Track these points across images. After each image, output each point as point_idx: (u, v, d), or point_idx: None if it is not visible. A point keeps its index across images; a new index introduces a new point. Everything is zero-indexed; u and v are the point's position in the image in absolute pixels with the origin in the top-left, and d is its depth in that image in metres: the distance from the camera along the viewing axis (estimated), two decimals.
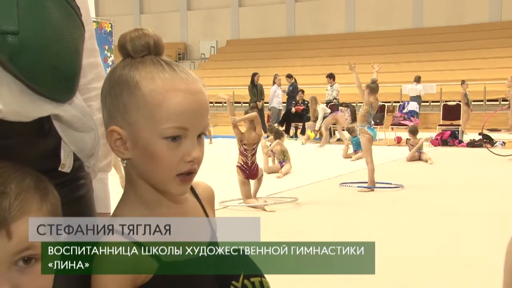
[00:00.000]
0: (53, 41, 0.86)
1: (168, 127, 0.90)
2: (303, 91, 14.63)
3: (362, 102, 6.50)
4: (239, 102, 19.70)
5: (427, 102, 17.00)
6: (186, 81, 0.92)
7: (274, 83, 14.49)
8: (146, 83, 0.90)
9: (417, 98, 15.96)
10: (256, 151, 5.41)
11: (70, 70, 0.91)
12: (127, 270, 0.91)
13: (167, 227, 0.95)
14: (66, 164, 0.98)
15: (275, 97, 14.36)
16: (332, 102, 14.04)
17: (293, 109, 14.14)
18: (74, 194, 1.00)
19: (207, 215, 1.06)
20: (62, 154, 0.97)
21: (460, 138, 12.02)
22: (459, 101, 13.95)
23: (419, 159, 9.19)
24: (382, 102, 13.35)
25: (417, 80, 16.52)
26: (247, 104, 14.30)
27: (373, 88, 6.38)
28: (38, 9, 0.84)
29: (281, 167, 7.82)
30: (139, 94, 0.90)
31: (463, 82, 15.64)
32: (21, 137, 0.89)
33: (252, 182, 5.43)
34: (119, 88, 0.92)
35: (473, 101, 16.12)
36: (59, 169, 0.97)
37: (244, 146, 5.34)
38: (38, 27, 0.83)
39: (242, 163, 5.32)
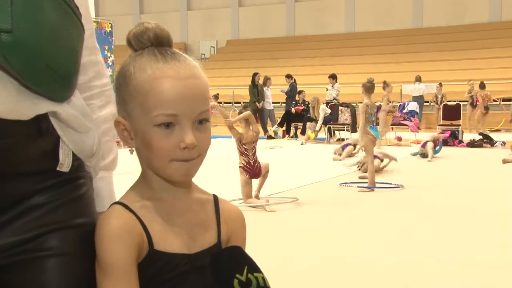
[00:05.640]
0: (49, 40, 0.86)
1: (156, 115, 0.91)
2: (303, 92, 14.64)
3: (361, 102, 6.47)
4: (239, 102, 19.69)
5: (427, 102, 17.03)
6: (176, 67, 0.93)
7: (264, 84, 14.52)
8: (138, 74, 0.93)
9: (420, 98, 15.98)
10: (256, 149, 5.39)
11: (66, 69, 0.91)
12: (132, 236, 0.93)
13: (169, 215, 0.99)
14: (64, 164, 0.97)
15: (266, 98, 14.49)
16: (332, 102, 14.05)
17: (293, 110, 14.16)
18: (73, 194, 0.99)
19: (219, 229, 1.04)
20: (61, 153, 0.97)
21: (460, 138, 12.03)
22: (460, 101, 13.97)
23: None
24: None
25: (419, 79, 16.55)
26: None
27: (367, 87, 6.32)
28: (33, 8, 0.83)
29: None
30: (132, 84, 0.94)
31: (469, 81, 15.66)
32: (19, 136, 0.89)
33: (254, 180, 5.41)
34: (118, 81, 0.98)
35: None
36: (57, 168, 0.97)
37: (243, 146, 5.31)
38: (33, 26, 0.83)
39: (245, 163, 5.28)
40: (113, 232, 0.93)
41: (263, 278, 0.99)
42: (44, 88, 0.88)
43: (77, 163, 1.02)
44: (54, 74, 0.88)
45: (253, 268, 0.99)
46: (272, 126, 14.68)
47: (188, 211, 1.02)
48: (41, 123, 0.92)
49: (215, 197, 1.08)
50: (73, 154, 1.00)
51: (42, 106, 0.89)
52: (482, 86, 15.94)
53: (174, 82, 0.91)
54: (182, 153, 0.92)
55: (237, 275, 0.97)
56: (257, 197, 5.42)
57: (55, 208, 0.96)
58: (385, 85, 12.10)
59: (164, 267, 0.96)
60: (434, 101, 16.11)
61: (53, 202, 0.96)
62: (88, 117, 1.01)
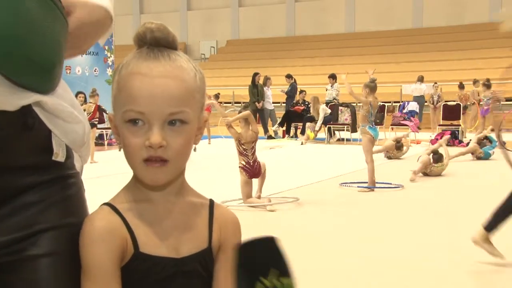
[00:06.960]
0: (28, 32, 0.85)
1: (125, 111, 0.91)
2: (304, 92, 14.65)
3: (361, 103, 6.50)
4: (239, 102, 19.69)
5: (426, 102, 17.03)
6: (152, 65, 0.92)
7: (264, 84, 14.52)
8: (122, 71, 0.94)
9: (421, 98, 15.98)
10: (255, 149, 5.37)
11: (49, 61, 0.90)
12: (114, 239, 0.92)
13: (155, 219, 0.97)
14: (59, 153, 0.97)
15: (266, 98, 14.50)
16: (332, 102, 14.06)
17: (295, 107, 14.16)
18: (65, 192, 0.99)
19: (210, 234, 1.02)
20: (54, 143, 0.96)
21: (460, 138, 12.02)
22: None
23: None
24: (382, 102, 13.35)
25: (421, 79, 16.54)
26: None
27: (372, 87, 6.40)
28: (9, 0, 0.83)
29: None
30: (115, 80, 0.95)
31: (475, 81, 15.63)
32: (8, 129, 0.89)
33: (254, 180, 5.40)
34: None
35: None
36: (53, 158, 0.96)
37: (242, 146, 5.28)
38: (9, 17, 0.82)
39: (245, 163, 5.25)
40: (95, 234, 0.92)
41: (291, 286, 0.92)
42: (25, 79, 0.87)
43: (69, 161, 1.01)
44: (34, 65, 0.87)
45: (283, 270, 0.92)
46: (273, 126, 14.68)
47: (179, 214, 1.00)
48: (27, 117, 0.91)
49: (211, 202, 1.06)
50: (66, 150, 1.00)
51: (27, 96, 0.88)
52: (461, 86, 15.92)
53: (144, 79, 0.90)
54: (147, 151, 0.90)
55: (261, 278, 0.89)
56: (259, 197, 5.41)
57: (47, 207, 0.95)
58: (477, 83, 12.30)
59: (150, 270, 0.94)
60: (431, 101, 16.12)
61: (45, 200, 0.95)
62: (78, 111, 1.01)
